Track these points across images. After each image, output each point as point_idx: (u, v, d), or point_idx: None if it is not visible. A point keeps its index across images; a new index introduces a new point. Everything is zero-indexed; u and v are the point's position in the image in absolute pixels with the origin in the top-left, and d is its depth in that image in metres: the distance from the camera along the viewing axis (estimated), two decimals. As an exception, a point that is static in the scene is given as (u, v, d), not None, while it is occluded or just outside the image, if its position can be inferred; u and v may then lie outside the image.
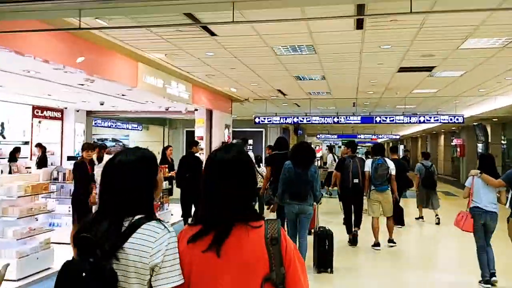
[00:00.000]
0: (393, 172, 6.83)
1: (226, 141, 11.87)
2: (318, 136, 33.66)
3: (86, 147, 6.60)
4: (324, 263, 5.61)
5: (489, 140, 16.49)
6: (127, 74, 7.41)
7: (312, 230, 6.10)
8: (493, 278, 5.09)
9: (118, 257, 1.45)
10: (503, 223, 5.14)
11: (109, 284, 1.41)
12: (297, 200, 5.30)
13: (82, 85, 7.52)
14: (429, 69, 8.58)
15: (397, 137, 33.50)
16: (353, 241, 7.04)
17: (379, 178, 6.74)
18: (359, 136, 34.37)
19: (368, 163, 6.93)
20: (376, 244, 6.84)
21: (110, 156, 1.70)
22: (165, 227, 1.52)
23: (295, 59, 7.89)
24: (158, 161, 1.76)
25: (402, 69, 8.62)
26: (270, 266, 1.47)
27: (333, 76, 9.57)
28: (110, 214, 1.53)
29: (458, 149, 20.25)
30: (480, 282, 5.18)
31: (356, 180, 6.96)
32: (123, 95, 8.86)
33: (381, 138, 32.65)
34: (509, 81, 9.57)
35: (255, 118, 14.55)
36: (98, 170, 6.30)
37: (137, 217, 1.52)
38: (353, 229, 7.09)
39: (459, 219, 5.30)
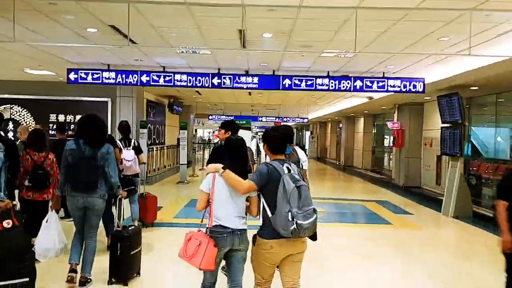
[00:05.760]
0: (305, 166, 4.83)
1: None
2: (210, 117, 26.71)
3: None
4: (116, 272, 4.47)
5: (465, 123, 9.80)
6: None
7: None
8: None
9: None
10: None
11: None
12: (81, 191, 4.17)
13: None
14: None
15: (305, 120, 27.60)
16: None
17: None
18: (260, 119, 28.20)
19: None
20: None
21: None
22: None
23: None
24: None
25: None
26: None
27: None
28: None
29: (393, 137, 14.33)
30: None
31: None
32: None
33: (286, 121, 26.60)
34: None
35: (69, 73, 8.72)
36: None
37: None
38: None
39: (191, 248, 3.04)
